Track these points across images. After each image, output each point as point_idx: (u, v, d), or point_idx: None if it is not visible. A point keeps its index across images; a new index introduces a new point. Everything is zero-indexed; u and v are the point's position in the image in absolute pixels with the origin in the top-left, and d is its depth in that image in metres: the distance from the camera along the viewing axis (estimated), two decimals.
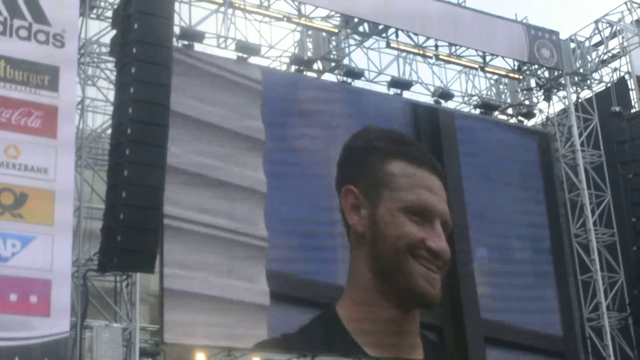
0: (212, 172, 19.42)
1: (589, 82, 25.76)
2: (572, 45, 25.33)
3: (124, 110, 16.88)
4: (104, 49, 19.22)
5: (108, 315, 17.48)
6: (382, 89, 22.86)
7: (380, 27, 22.54)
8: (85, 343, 16.59)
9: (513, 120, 25.47)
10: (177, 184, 18.53)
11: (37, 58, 16.94)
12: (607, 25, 25.36)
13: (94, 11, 19.23)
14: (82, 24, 18.48)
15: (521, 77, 25.52)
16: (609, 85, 25.89)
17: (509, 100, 26.01)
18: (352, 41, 22.92)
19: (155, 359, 17.46)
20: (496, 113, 25.22)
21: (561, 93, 25.62)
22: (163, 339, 17.59)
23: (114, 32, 18.22)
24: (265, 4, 21.44)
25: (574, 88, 25.54)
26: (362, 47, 23.10)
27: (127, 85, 16.92)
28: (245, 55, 20.72)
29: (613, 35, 25.47)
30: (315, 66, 22.62)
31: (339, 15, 22.18)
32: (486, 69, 24.79)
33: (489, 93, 25.96)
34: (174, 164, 18.39)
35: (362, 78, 22.77)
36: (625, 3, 25.13)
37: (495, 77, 25.86)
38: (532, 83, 25.96)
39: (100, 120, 20.41)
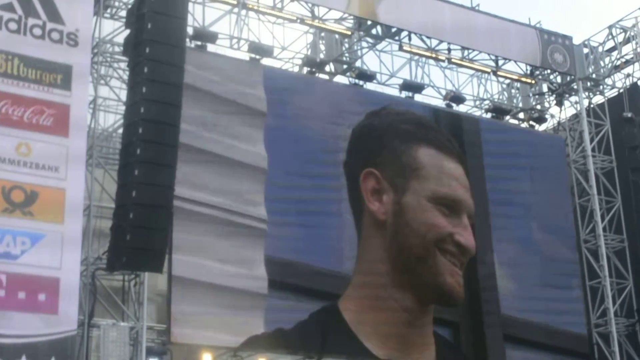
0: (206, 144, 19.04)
1: (601, 87, 25.75)
2: (585, 50, 25.34)
3: (135, 109, 16.96)
4: (117, 49, 19.28)
5: (116, 314, 17.57)
6: (394, 92, 22.84)
7: (393, 30, 22.56)
8: (92, 342, 16.73)
9: (524, 125, 25.44)
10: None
11: (51, 57, 17.05)
12: (621, 30, 25.38)
13: (108, 10, 19.29)
14: (96, 23, 18.57)
15: (533, 81, 25.48)
16: (621, 91, 25.84)
17: (520, 105, 26.00)
18: (364, 44, 22.94)
19: (162, 358, 17.48)
20: (508, 117, 25.20)
21: (573, 98, 25.59)
22: (170, 339, 17.66)
23: (127, 31, 18.30)
24: (279, 5, 21.46)
25: (586, 93, 25.54)
26: (374, 49, 23.09)
27: (140, 85, 17.00)
28: (257, 57, 20.75)
29: (626, 41, 25.49)
30: (327, 68, 22.65)
31: (352, 17, 22.19)
32: (498, 73, 24.74)
33: (500, 97, 25.93)
34: None
35: (374, 81, 22.72)
36: None
37: (507, 81, 25.83)
38: (544, 88, 25.94)
39: (112, 119, 20.45)
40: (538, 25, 24.77)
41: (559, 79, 25.34)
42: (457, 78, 24.42)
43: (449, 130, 22.15)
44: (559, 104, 25.70)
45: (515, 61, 24.56)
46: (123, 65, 18.98)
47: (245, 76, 20.19)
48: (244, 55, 20.78)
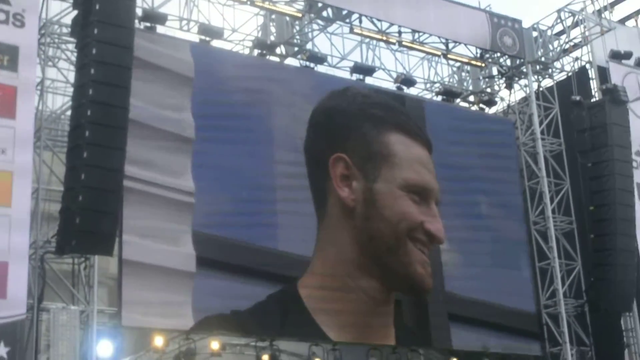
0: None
1: (550, 70, 25.92)
2: (535, 33, 25.47)
3: (84, 91, 16.68)
4: (64, 30, 18.92)
5: (66, 298, 17.33)
6: (345, 74, 22.79)
7: (344, 12, 22.51)
8: (42, 326, 16.45)
9: (475, 108, 25.57)
10: None
11: None
12: (569, 14, 25.54)
13: None
14: (42, 4, 18.20)
15: (483, 64, 25.63)
16: (570, 74, 26.08)
17: (471, 88, 26.15)
18: (315, 26, 22.84)
19: (113, 342, 17.32)
20: (458, 100, 25.32)
21: (522, 81, 25.77)
22: (121, 322, 17.51)
23: (75, 12, 17.98)
24: None
25: (535, 76, 25.71)
26: (325, 32, 23.02)
27: (88, 67, 16.70)
28: (207, 39, 20.59)
29: (575, 24, 25.67)
30: (278, 50, 22.54)
31: None
32: (449, 56, 24.85)
33: (451, 80, 26.05)
34: None
35: (325, 63, 22.64)
36: None
37: (457, 64, 25.95)
38: (494, 71, 26.11)
39: (60, 101, 20.22)
40: (488, 9, 24.83)
41: (508, 62, 25.50)
42: (407, 61, 24.53)
43: None
44: (509, 87, 25.87)
45: (465, 44, 24.64)
46: (71, 46, 18.65)
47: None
48: (194, 37, 20.62)
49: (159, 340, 18.16)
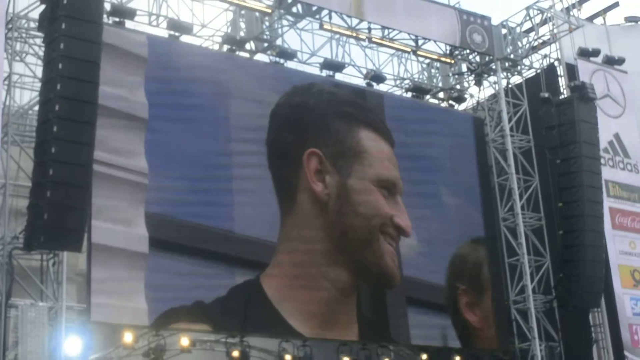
0: None
1: (519, 67, 26.00)
2: (504, 31, 25.54)
3: (51, 86, 16.57)
4: (32, 24, 18.81)
5: (34, 294, 17.22)
6: (315, 70, 22.83)
7: (314, 8, 22.45)
8: (10, 322, 16.32)
9: (444, 105, 25.63)
10: None
11: None
12: (538, 12, 25.65)
13: None
14: None
15: (453, 61, 25.69)
16: (538, 71, 26.19)
17: (440, 85, 26.23)
18: (285, 22, 22.80)
19: (82, 338, 17.20)
20: (428, 97, 25.36)
21: (492, 78, 25.78)
22: (90, 318, 17.38)
23: (43, 6, 17.86)
24: None
25: (505, 73, 25.77)
26: (295, 28, 22.96)
27: (56, 62, 16.60)
28: (177, 34, 20.50)
29: (543, 22, 25.78)
30: (247, 46, 22.47)
31: None
32: (418, 52, 24.91)
33: (420, 77, 26.10)
34: None
35: (295, 59, 22.63)
36: None
37: (427, 61, 26.00)
38: (464, 68, 26.18)
39: (27, 96, 20.02)
40: (457, 6, 24.86)
41: (477, 59, 25.54)
42: (377, 57, 24.52)
43: None
44: (478, 83, 25.92)
45: (434, 41, 24.64)
46: (39, 41, 18.51)
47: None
48: (163, 32, 20.53)
49: (128, 337, 18.09)
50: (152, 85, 18.94)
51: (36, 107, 17.94)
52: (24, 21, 18.92)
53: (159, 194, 18.54)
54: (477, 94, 26.19)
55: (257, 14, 22.40)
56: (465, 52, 25.18)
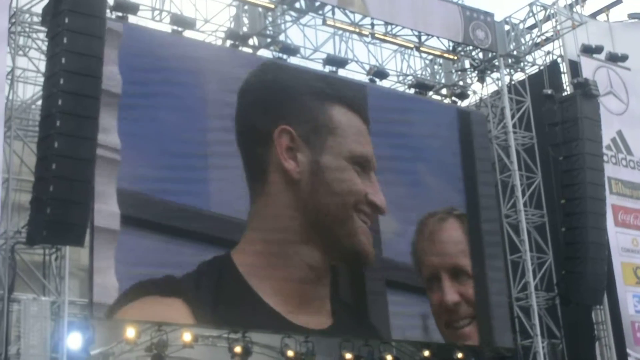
0: None
1: (522, 64, 25.93)
2: (507, 27, 25.48)
3: (55, 81, 16.54)
4: (35, 19, 18.78)
5: (36, 288, 17.21)
6: (318, 66, 22.75)
7: (317, 4, 22.45)
8: (12, 316, 16.34)
9: (447, 101, 25.61)
10: None
11: None
12: (541, 8, 25.59)
13: None
14: None
15: (456, 57, 25.68)
16: (541, 68, 26.11)
17: (443, 81, 26.20)
18: (288, 17, 22.80)
19: (84, 333, 17.19)
20: (430, 93, 25.34)
21: (495, 75, 25.76)
22: (92, 314, 17.37)
23: (46, 1, 17.84)
24: None
25: (507, 70, 25.70)
26: (298, 23, 22.94)
27: (59, 56, 16.57)
28: (180, 29, 20.46)
29: (547, 18, 25.71)
30: (250, 42, 22.46)
31: None
32: (421, 48, 24.83)
33: (423, 73, 26.09)
34: None
35: (298, 55, 22.62)
36: None
37: (430, 57, 26.00)
38: (467, 64, 26.15)
39: (30, 91, 19.98)
40: (460, 2, 24.84)
41: (480, 56, 25.50)
42: (380, 53, 24.50)
43: None
44: (481, 80, 25.85)
45: (437, 37, 24.61)
46: (42, 35, 18.49)
47: None
48: (166, 27, 20.50)
49: (130, 332, 18.11)
50: (126, 61, 18.66)
51: (39, 102, 17.90)
52: (27, 15, 18.87)
53: (131, 171, 18.26)
54: (480, 90, 26.15)
55: (260, 9, 22.45)
56: (468, 48, 25.13)
